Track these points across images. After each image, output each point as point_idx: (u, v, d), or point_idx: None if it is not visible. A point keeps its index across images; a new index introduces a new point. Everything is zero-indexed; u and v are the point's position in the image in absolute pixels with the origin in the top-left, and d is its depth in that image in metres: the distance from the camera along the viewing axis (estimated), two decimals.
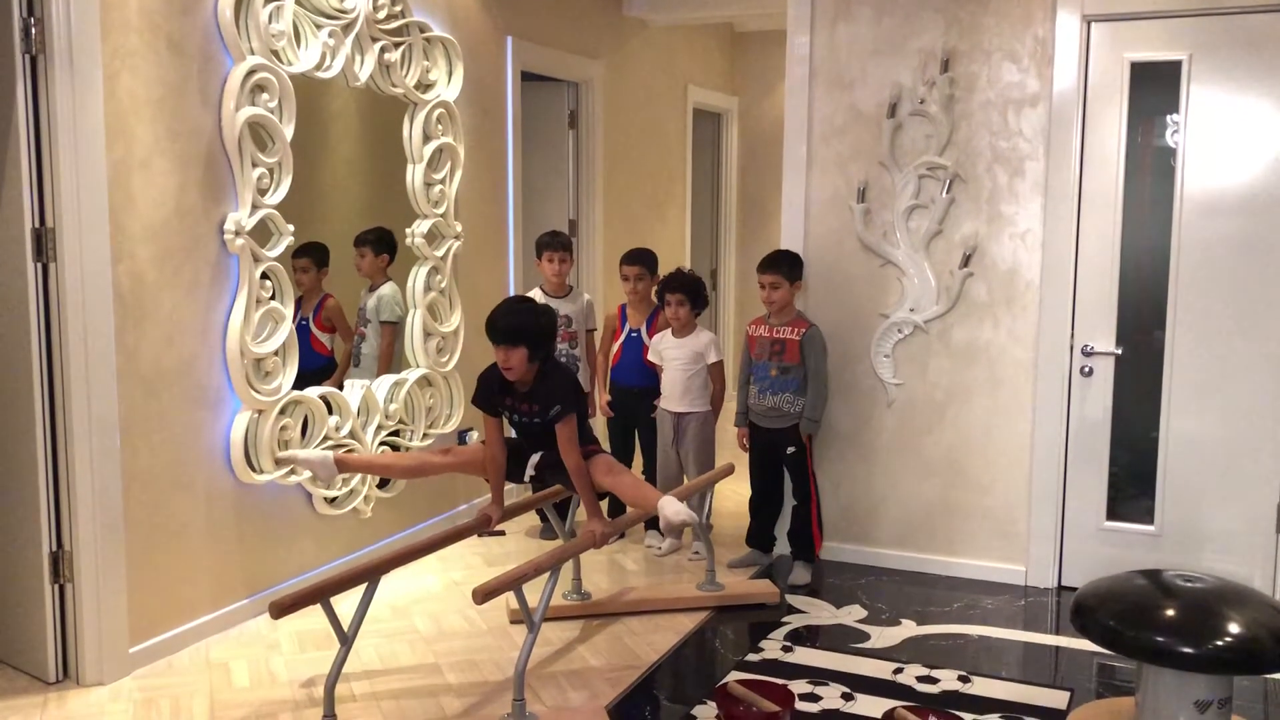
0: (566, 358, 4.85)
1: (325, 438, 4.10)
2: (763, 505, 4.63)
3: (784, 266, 4.38)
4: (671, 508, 3.29)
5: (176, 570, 3.63)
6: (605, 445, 5.08)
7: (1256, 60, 3.92)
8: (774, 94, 7.78)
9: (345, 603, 3.30)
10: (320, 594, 3.08)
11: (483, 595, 3.01)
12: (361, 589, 3.23)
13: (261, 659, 3.61)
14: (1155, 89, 4.08)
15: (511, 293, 5.38)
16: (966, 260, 4.33)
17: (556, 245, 4.91)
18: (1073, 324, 4.22)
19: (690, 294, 4.63)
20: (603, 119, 6.17)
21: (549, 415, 3.44)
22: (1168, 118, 4.09)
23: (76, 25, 3.16)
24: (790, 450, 4.43)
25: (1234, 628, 2.67)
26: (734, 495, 5.45)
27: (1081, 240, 4.19)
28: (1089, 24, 4.10)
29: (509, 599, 3.67)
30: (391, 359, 4.60)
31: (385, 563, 3.31)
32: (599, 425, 5.16)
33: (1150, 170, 4.17)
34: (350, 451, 4.13)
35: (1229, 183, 4.00)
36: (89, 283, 3.26)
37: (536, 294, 4.92)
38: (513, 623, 3.92)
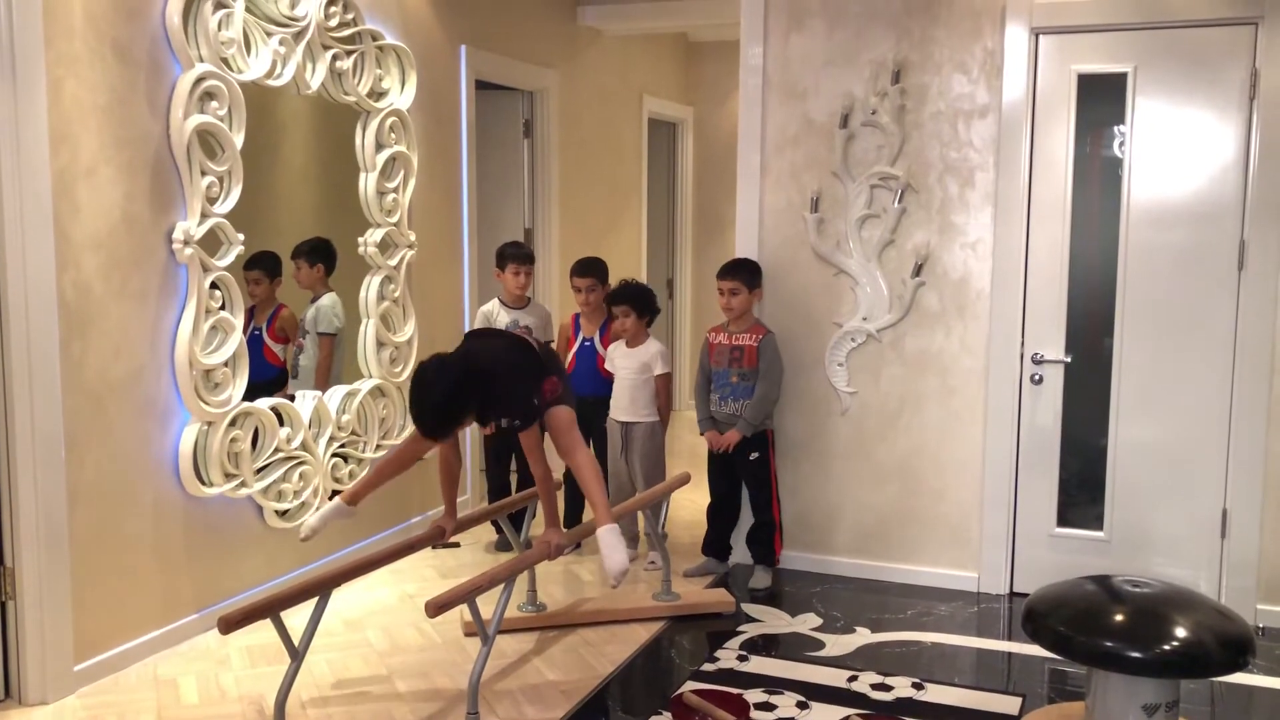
0: None
1: (276, 449, 4.05)
2: (720, 512, 4.63)
3: (744, 273, 4.40)
4: (614, 558, 3.26)
5: (123, 585, 3.57)
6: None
7: (1199, 73, 4.00)
8: (728, 104, 7.81)
9: (296, 617, 3.26)
10: (271, 608, 3.04)
11: (436, 608, 2.98)
12: (313, 603, 3.19)
13: (211, 675, 3.55)
14: (1102, 100, 4.15)
15: (466, 302, 5.34)
16: (918, 269, 4.37)
17: (521, 257, 4.88)
18: (1023, 332, 4.27)
19: (636, 305, 4.63)
20: (558, 128, 6.16)
21: (511, 427, 3.43)
22: (1114, 128, 4.16)
23: (19, 31, 3.10)
24: (753, 456, 4.44)
25: (1180, 632, 2.71)
26: (690, 504, 5.45)
27: (1031, 249, 4.24)
28: (1037, 36, 4.16)
29: (463, 611, 3.65)
30: (329, 371, 4.52)
31: (337, 576, 3.27)
32: None
33: (1098, 180, 4.24)
34: (348, 487, 3.92)
35: (1174, 192, 4.07)
36: (33, 293, 3.20)
37: (495, 305, 4.89)
38: (467, 635, 3.89)
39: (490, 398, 3.24)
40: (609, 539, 3.29)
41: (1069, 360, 4.23)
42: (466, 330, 3.54)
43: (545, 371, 3.46)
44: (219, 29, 3.70)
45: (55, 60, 3.23)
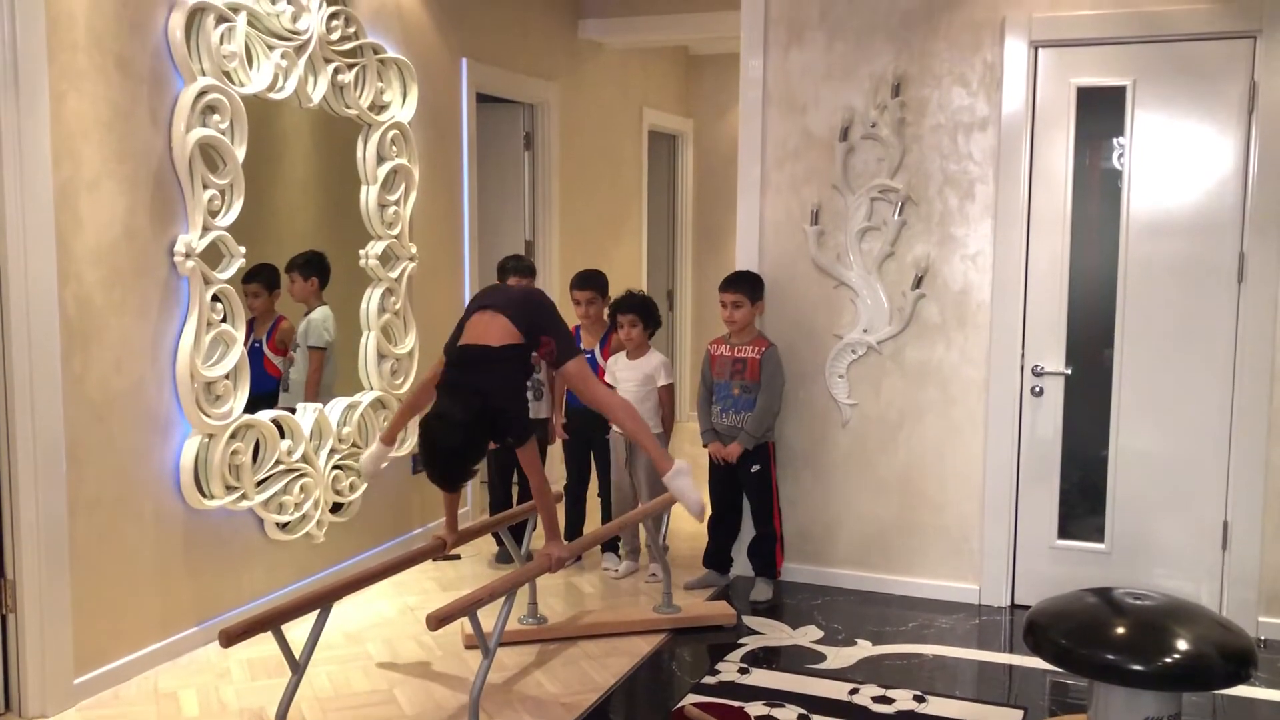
0: (532, 383, 4.79)
1: (277, 462, 4.05)
2: (721, 523, 4.63)
3: (746, 286, 4.41)
4: (691, 498, 3.51)
5: (124, 598, 3.56)
6: (562, 468, 5.09)
7: (1197, 86, 4.01)
8: (728, 116, 7.83)
9: (297, 629, 3.26)
10: (271, 621, 3.04)
11: (437, 621, 2.98)
12: (314, 615, 3.19)
13: (211, 688, 3.55)
14: (1101, 113, 4.16)
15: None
16: (918, 281, 4.37)
17: (523, 270, 4.85)
18: (1023, 344, 4.27)
19: (642, 314, 4.64)
20: (558, 140, 6.18)
21: (507, 445, 3.46)
22: (1114, 141, 4.17)
23: (22, 46, 3.12)
24: (754, 468, 4.44)
25: (1182, 644, 2.71)
26: (690, 516, 5.44)
27: (1031, 261, 4.25)
28: (1036, 50, 4.17)
29: (464, 624, 3.64)
30: (319, 385, 4.52)
31: (338, 589, 3.27)
32: (556, 447, 5.14)
33: (1097, 192, 4.25)
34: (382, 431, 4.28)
35: (1173, 204, 4.08)
36: (35, 306, 3.20)
37: None
38: (468, 648, 3.89)
39: (495, 431, 3.31)
40: (678, 483, 3.51)
41: (1069, 372, 4.23)
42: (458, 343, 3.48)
43: (534, 347, 3.50)
44: (221, 43, 3.72)
45: (59, 74, 3.25)
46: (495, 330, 3.37)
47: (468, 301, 3.62)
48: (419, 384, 3.88)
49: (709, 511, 3.43)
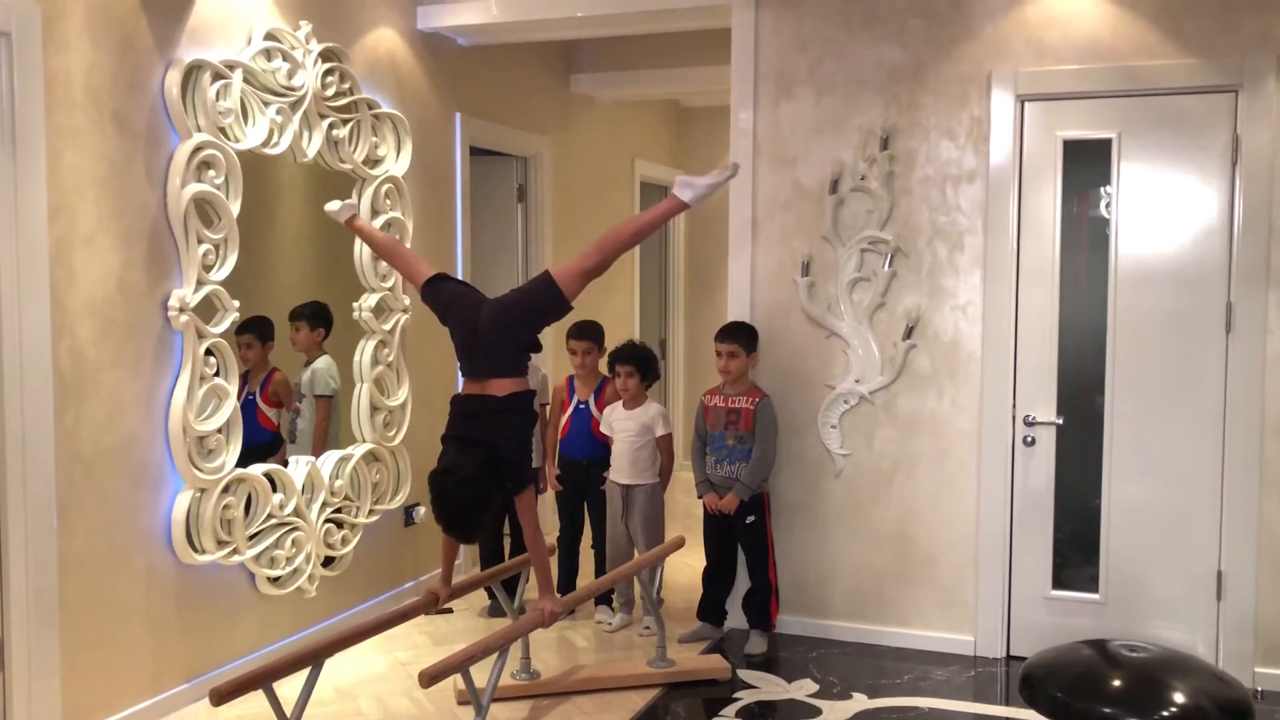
0: None
1: (269, 516, 4.04)
2: (716, 576, 4.60)
3: (743, 337, 4.43)
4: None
5: (114, 655, 3.53)
6: (555, 518, 5.08)
7: (1182, 139, 4.07)
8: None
9: (288, 685, 3.23)
10: (262, 679, 3.01)
11: (429, 678, 2.96)
12: (305, 672, 3.16)
13: None
14: (1088, 165, 4.21)
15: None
16: (909, 332, 4.40)
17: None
18: (1014, 394, 4.29)
19: (640, 365, 4.66)
20: (551, 192, 6.23)
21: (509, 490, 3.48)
22: (1101, 190, 4.22)
23: (20, 102, 3.15)
24: (749, 519, 4.43)
25: (1179, 697, 2.70)
26: (684, 568, 5.43)
27: (1021, 312, 4.28)
28: (1023, 103, 4.23)
29: (456, 679, 3.62)
30: (326, 434, 4.53)
31: (329, 645, 3.24)
32: (549, 498, 5.13)
33: (1085, 243, 4.29)
34: None
35: (1160, 255, 4.12)
36: (28, 361, 3.21)
37: None
38: (460, 704, 3.85)
39: (503, 482, 3.38)
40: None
41: (1061, 422, 4.24)
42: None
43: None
44: (217, 99, 3.76)
45: (55, 131, 3.27)
46: (499, 382, 3.43)
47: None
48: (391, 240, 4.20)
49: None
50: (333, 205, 4.02)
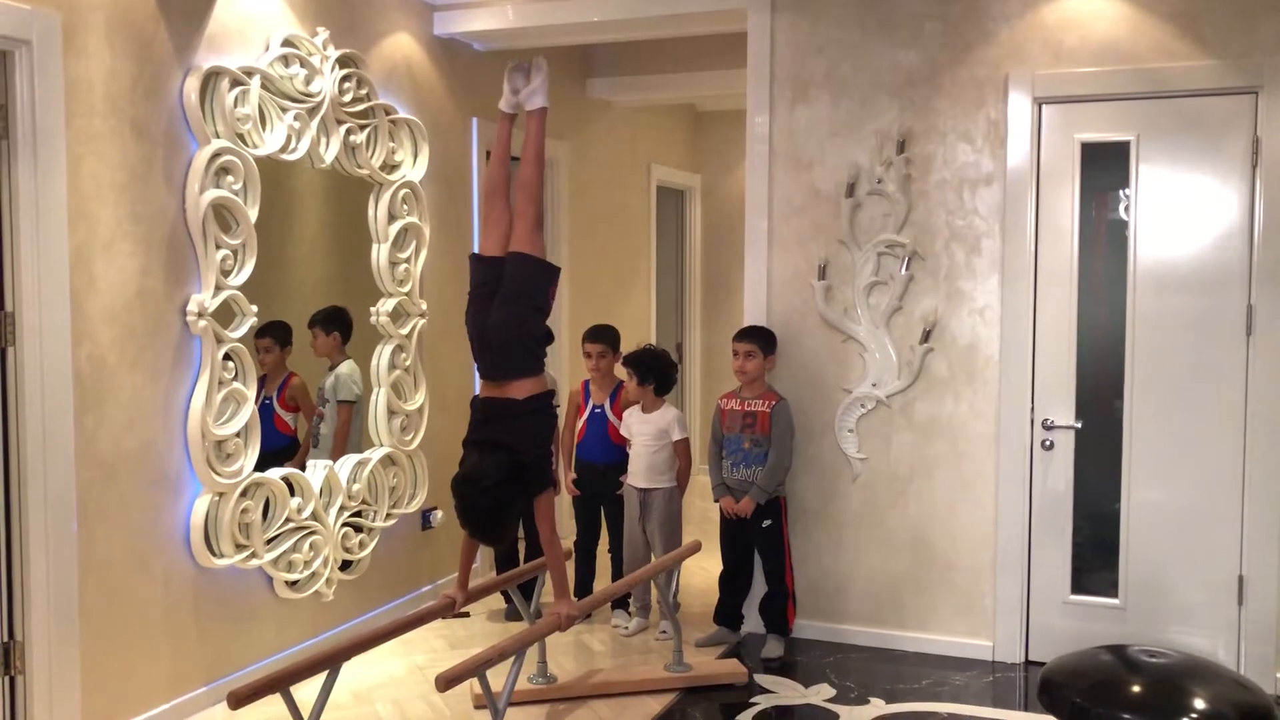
0: None
1: (287, 519, 4.05)
2: (733, 579, 4.60)
3: (761, 338, 4.43)
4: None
5: (133, 659, 3.55)
6: (572, 523, 5.08)
7: (1200, 140, 4.04)
8: (735, 172, 7.90)
9: (306, 689, 3.24)
10: (280, 683, 3.02)
11: (446, 682, 2.96)
12: (323, 676, 3.17)
13: None
14: (1106, 168, 4.19)
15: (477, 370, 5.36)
16: (926, 336, 4.38)
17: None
18: (1033, 398, 4.27)
19: (640, 369, 4.67)
20: (568, 197, 6.24)
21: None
22: (1120, 193, 4.20)
23: (41, 110, 3.17)
24: (766, 523, 4.42)
25: (1200, 703, 2.68)
26: (701, 572, 5.42)
27: (1039, 315, 4.26)
28: (1040, 106, 4.21)
29: (473, 683, 3.62)
30: (348, 439, 4.55)
31: (346, 649, 3.25)
32: (565, 502, 5.13)
33: (1104, 246, 4.26)
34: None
35: (1180, 258, 4.09)
36: (49, 366, 3.23)
37: None
38: (477, 708, 3.85)
39: (525, 485, 3.39)
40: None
41: (1080, 425, 4.22)
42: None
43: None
44: (235, 105, 3.78)
45: (75, 138, 3.30)
46: (518, 384, 3.46)
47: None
48: None
49: None
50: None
